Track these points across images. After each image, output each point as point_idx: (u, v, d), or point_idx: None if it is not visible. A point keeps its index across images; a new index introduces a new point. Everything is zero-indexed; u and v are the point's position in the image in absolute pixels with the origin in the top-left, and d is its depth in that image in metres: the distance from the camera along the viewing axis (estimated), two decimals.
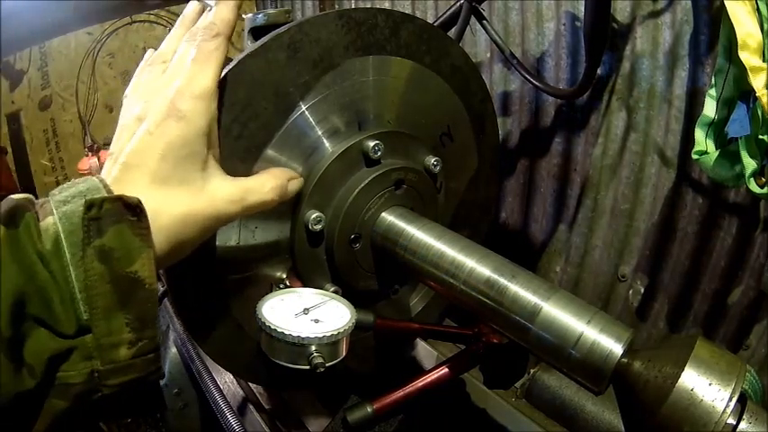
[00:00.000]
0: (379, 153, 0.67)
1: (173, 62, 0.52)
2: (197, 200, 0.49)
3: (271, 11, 0.72)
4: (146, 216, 0.41)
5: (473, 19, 1.06)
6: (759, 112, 0.65)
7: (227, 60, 0.56)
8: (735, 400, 0.43)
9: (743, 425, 0.43)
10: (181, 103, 0.48)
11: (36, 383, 0.36)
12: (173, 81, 0.50)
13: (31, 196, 0.41)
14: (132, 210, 0.40)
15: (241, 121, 0.60)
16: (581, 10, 1.04)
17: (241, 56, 0.59)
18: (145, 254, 0.40)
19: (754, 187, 0.68)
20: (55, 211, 0.39)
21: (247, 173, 0.62)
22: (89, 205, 0.39)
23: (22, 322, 0.35)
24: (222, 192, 0.51)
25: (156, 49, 0.57)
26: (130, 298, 0.39)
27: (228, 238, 0.63)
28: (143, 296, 0.40)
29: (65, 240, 0.38)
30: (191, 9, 0.59)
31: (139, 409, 0.44)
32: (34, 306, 0.36)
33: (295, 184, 0.60)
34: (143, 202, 0.41)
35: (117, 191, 0.42)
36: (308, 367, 0.52)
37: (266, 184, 0.56)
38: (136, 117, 0.49)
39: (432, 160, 0.75)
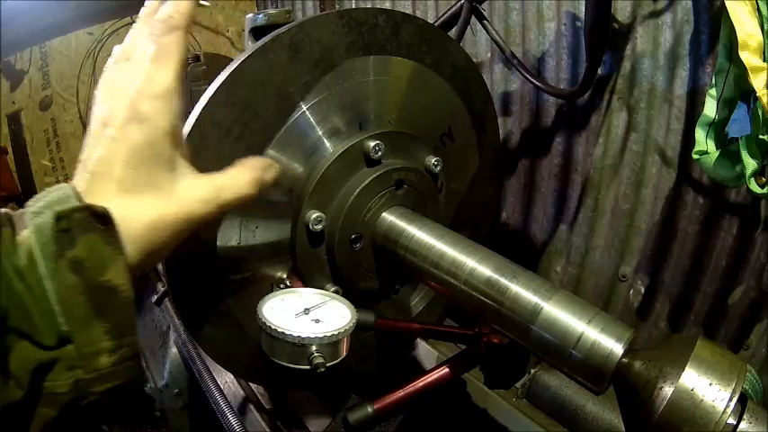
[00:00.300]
0: (380, 153, 0.67)
1: (132, 60, 0.50)
2: (167, 204, 0.47)
3: (271, 11, 0.72)
4: (114, 224, 0.41)
5: (474, 19, 1.06)
6: (759, 112, 0.65)
7: (227, 60, 0.56)
8: (735, 400, 0.42)
9: (743, 425, 0.43)
10: (141, 104, 0.46)
11: (24, 394, 0.36)
12: (132, 81, 0.48)
13: (7, 211, 0.41)
14: (101, 219, 0.40)
15: (242, 122, 0.60)
16: (582, 10, 1.04)
17: (242, 56, 0.59)
18: (117, 262, 0.40)
19: (754, 187, 0.68)
20: (29, 224, 0.39)
21: None
22: (58, 216, 0.38)
23: (5, 335, 0.36)
24: (193, 192, 0.49)
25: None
26: (106, 307, 0.39)
27: (229, 239, 0.63)
28: (118, 304, 0.40)
29: (39, 253, 0.38)
30: (150, 2, 0.54)
31: (126, 412, 0.44)
32: (15, 320, 0.36)
33: (272, 172, 0.56)
34: (112, 210, 0.41)
35: (86, 200, 0.42)
36: (308, 367, 0.52)
37: (240, 178, 0.53)
38: (101, 122, 0.47)
39: (432, 160, 0.75)
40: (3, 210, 0.41)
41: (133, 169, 0.45)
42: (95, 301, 0.39)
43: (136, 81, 0.48)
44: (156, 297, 1.45)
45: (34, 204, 0.41)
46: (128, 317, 0.41)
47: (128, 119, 0.46)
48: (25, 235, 0.38)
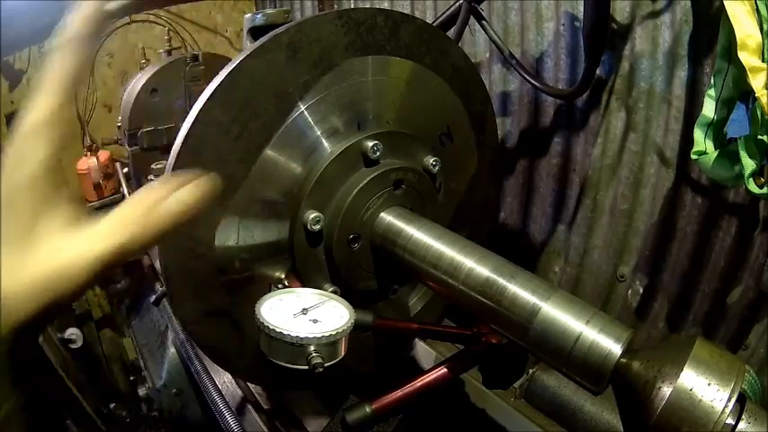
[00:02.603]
0: (378, 153, 0.67)
1: None
2: (31, 264, 0.39)
3: (270, 11, 0.72)
4: None
5: (472, 19, 1.06)
6: (758, 113, 0.65)
7: (225, 60, 0.55)
8: (734, 399, 0.42)
9: (742, 424, 0.43)
10: (14, 142, 0.40)
11: None
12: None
13: None
14: None
15: (241, 121, 0.60)
16: (580, 10, 1.04)
17: (240, 56, 0.59)
18: None
19: (753, 187, 0.68)
20: None
21: (246, 173, 0.62)
22: None
23: None
24: (64, 247, 0.40)
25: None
26: None
27: (227, 238, 0.63)
28: None
29: None
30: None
31: None
32: None
33: (186, 197, 0.42)
34: None
35: None
36: (306, 367, 0.52)
37: (115, 221, 0.41)
38: None
39: (431, 160, 0.75)
40: None
41: (3, 218, 0.38)
42: None
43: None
44: (154, 297, 1.45)
45: None
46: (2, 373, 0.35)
47: (7, 157, 0.40)
48: None
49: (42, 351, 1.23)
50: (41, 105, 0.41)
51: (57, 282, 0.39)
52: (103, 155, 1.99)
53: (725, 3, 0.66)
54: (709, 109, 0.75)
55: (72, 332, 1.75)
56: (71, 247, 0.40)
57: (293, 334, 0.52)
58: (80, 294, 0.40)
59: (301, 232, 0.66)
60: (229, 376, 1.03)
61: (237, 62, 0.58)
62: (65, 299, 0.40)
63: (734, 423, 0.43)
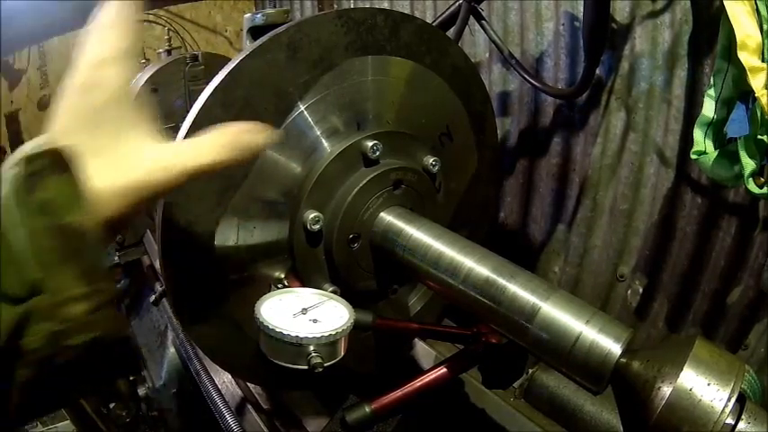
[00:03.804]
0: (378, 153, 0.67)
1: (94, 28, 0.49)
2: (126, 169, 0.45)
3: (270, 11, 0.72)
4: (77, 165, 0.40)
5: (472, 19, 1.06)
6: (758, 113, 0.65)
7: (225, 60, 0.55)
8: (733, 399, 0.42)
9: (741, 424, 0.43)
10: (94, 70, 0.46)
11: None
12: (90, 46, 0.47)
13: None
14: (68, 163, 0.39)
15: (240, 121, 0.59)
16: (580, 10, 1.04)
17: (240, 56, 0.59)
18: (84, 204, 0.39)
19: (752, 187, 0.68)
20: (3, 176, 0.39)
21: (246, 173, 0.62)
22: (27, 160, 0.38)
23: None
24: (153, 158, 0.46)
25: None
26: (76, 249, 0.38)
27: (227, 238, 0.63)
28: (87, 247, 0.39)
29: (12, 202, 0.37)
30: None
31: (110, 371, 0.43)
32: None
33: (258, 139, 0.49)
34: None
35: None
36: (306, 367, 0.52)
37: (210, 144, 0.49)
38: (65, 87, 0.47)
39: (430, 160, 0.75)
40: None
41: (88, 134, 0.44)
42: (64, 243, 0.38)
43: (91, 47, 0.47)
44: (153, 297, 1.45)
45: (11, 159, 0.40)
46: (99, 260, 0.40)
47: (83, 84, 0.46)
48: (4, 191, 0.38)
49: None
50: (109, 40, 0.46)
51: (143, 184, 0.45)
52: None
53: (725, 3, 0.66)
54: (708, 109, 0.75)
55: None
56: (157, 157, 0.46)
57: (293, 334, 0.52)
58: (159, 198, 0.48)
59: (301, 232, 0.66)
60: (229, 376, 1.03)
61: (237, 62, 0.58)
62: (148, 201, 0.46)
63: (734, 423, 0.43)
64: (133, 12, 0.50)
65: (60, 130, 0.45)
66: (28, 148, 0.40)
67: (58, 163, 0.39)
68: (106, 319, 0.39)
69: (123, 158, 0.45)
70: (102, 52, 0.47)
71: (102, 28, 0.48)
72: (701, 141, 0.76)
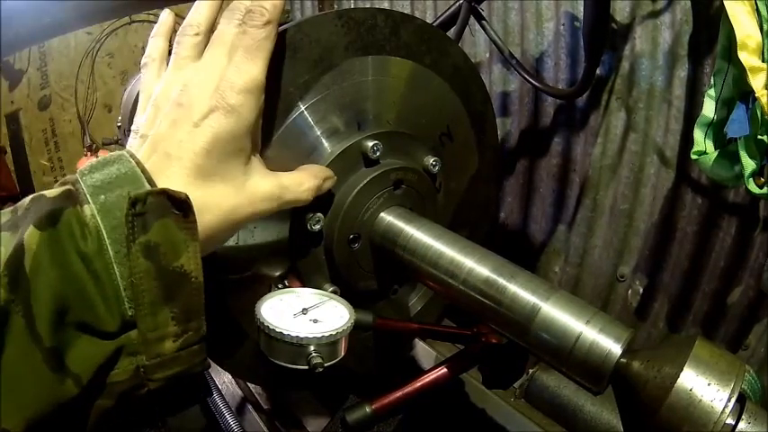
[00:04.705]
0: (378, 153, 0.67)
1: (216, 44, 0.49)
2: (238, 198, 0.47)
3: None
4: (193, 211, 0.40)
5: (472, 19, 1.06)
6: (758, 113, 0.65)
7: None
8: (734, 400, 0.42)
9: (742, 425, 0.43)
10: (230, 96, 0.46)
11: (81, 390, 0.35)
12: (218, 68, 0.47)
13: (67, 188, 0.39)
14: (178, 205, 0.39)
15: None
16: (580, 10, 1.04)
17: None
18: (191, 248, 0.40)
19: (753, 187, 0.68)
20: (90, 201, 0.37)
21: None
22: (133, 201, 0.37)
23: (65, 330, 0.34)
24: (262, 189, 0.50)
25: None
26: (177, 292, 0.39)
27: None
28: (189, 289, 0.40)
29: (107, 238, 0.36)
30: None
31: (185, 401, 0.43)
32: (76, 312, 0.34)
33: (329, 184, 0.60)
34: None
35: (156, 181, 0.41)
36: (306, 367, 0.52)
37: (304, 183, 0.55)
38: (175, 102, 0.46)
39: (431, 160, 0.75)
40: (63, 188, 0.38)
41: (212, 159, 0.45)
42: (166, 286, 0.38)
43: (223, 69, 0.47)
44: None
45: (89, 174, 0.39)
46: (197, 302, 0.41)
47: (214, 107, 0.45)
48: (88, 214, 0.37)
49: None
50: (255, 71, 0.47)
51: (252, 216, 0.49)
52: (103, 154, 1.99)
53: (725, 3, 0.66)
54: (709, 109, 0.75)
55: None
56: (267, 189, 0.50)
57: (293, 334, 0.52)
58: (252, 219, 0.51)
59: (301, 232, 0.66)
60: (229, 376, 1.03)
61: None
62: (251, 220, 0.50)
63: (734, 423, 0.43)
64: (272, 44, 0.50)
65: (178, 148, 0.44)
66: (119, 170, 0.40)
67: (168, 206, 0.38)
68: (191, 354, 0.40)
69: (237, 187, 0.47)
70: (242, 76, 0.47)
71: (250, 52, 0.48)
72: (702, 141, 0.76)
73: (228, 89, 0.46)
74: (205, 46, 0.50)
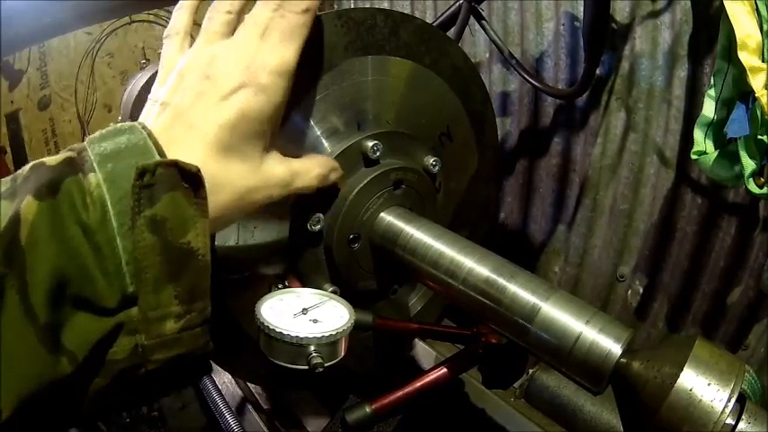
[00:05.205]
0: (378, 153, 0.67)
1: (250, 24, 0.48)
2: (254, 179, 0.46)
3: None
4: (204, 186, 0.38)
5: (472, 19, 1.06)
6: (758, 113, 0.65)
7: None
8: (734, 400, 0.42)
9: (742, 425, 0.43)
10: (262, 75, 0.45)
11: (75, 368, 0.33)
12: (251, 47, 0.46)
13: (69, 155, 0.36)
14: (189, 178, 0.37)
15: None
16: (580, 10, 1.04)
17: None
18: (199, 224, 0.37)
19: (752, 187, 0.68)
20: (97, 169, 0.35)
21: None
22: (141, 172, 0.35)
23: (61, 306, 0.33)
24: (276, 174, 0.49)
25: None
26: (182, 270, 0.37)
27: (227, 238, 0.63)
28: (195, 268, 0.38)
29: (111, 209, 0.34)
30: None
31: (183, 382, 0.42)
32: (74, 286, 0.33)
33: (334, 176, 0.59)
34: (201, 170, 0.38)
35: (170, 150, 0.39)
36: (306, 367, 0.52)
37: (312, 170, 0.55)
38: (203, 73, 0.45)
39: (431, 160, 0.75)
40: (67, 154, 0.37)
41: (234, 135, 0.44)
42: (172, 263, 0.36)
43: (260, 51, 0.46)
44: None
45: (98, 143, 0.38)
46: (203, 281, 0.39)
47: (244, 84, 0.45)
48: (93, 182, 0.35)
49: None
50: (289, 55, 0.47)
51: (265, 199, 0.49)
52: None
53: (725, 3, 0.66)
54: (708, 109, 0.75)
55: None
56: (281, 173, 0.51)
57: (293, 334, 0.52)
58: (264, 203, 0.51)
59: (301, 232, 0.66)
60: (229, 376, 1.03)
61: None
62: (263, 203, 0.50)
63: (734, 423, 0.43)
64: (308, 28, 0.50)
65: (199, 118, 0.43)
66: (128, 139, 0.38)
67: (178, 179, 0.37)
68: (194, 336, 0.38)
69: (254, 167, 0.47)
70: (276, 59, 0.46)
71: (286, 35, 0.48)
72: (702, 141, 0.76)
73: (261, 68, 0.45)
74: (236, 26, 0.50)
